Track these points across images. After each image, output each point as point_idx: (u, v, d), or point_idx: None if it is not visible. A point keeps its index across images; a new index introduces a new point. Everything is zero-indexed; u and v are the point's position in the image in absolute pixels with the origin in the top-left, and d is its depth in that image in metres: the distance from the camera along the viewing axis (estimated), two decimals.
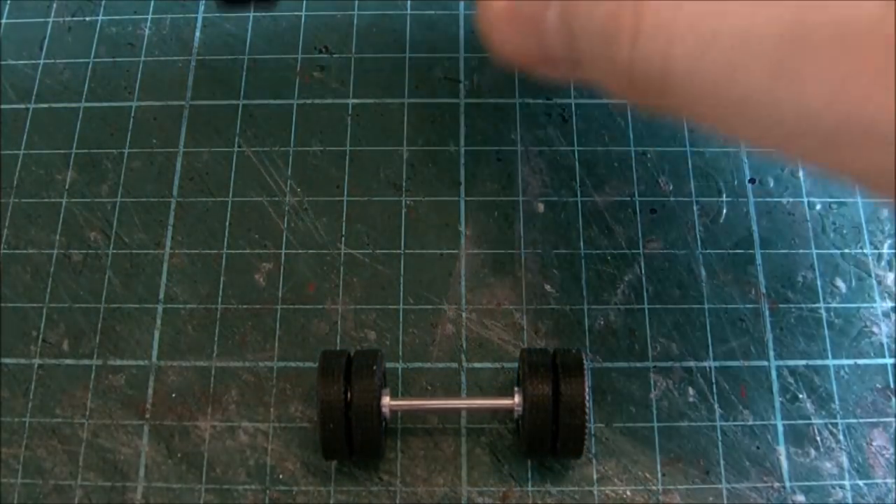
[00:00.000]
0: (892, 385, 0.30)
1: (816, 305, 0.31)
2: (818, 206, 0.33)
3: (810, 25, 0.18)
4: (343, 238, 0.32)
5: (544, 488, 0.29)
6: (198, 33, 0.36)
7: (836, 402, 0.30)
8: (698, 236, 0.32)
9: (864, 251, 0.32)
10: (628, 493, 0.29)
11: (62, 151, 0.34)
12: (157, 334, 0.31)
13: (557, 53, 0.27)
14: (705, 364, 0.30)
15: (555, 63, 0.27)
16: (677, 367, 0.30)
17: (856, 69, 0.17)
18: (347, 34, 0.36)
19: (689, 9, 0.20)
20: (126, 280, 0.32)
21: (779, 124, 0.19)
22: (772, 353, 0.31)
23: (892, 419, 0.30)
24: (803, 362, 0.30)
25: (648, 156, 0.34)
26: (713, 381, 0.30)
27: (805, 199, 0.33)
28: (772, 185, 0.33)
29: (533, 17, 0.27)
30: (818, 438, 0.29)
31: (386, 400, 0.27)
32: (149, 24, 0.37)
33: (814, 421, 0.30)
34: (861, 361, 0.30)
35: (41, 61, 0.36)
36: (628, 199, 0.33)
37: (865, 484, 0.29)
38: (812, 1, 0.18)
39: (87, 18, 0.37)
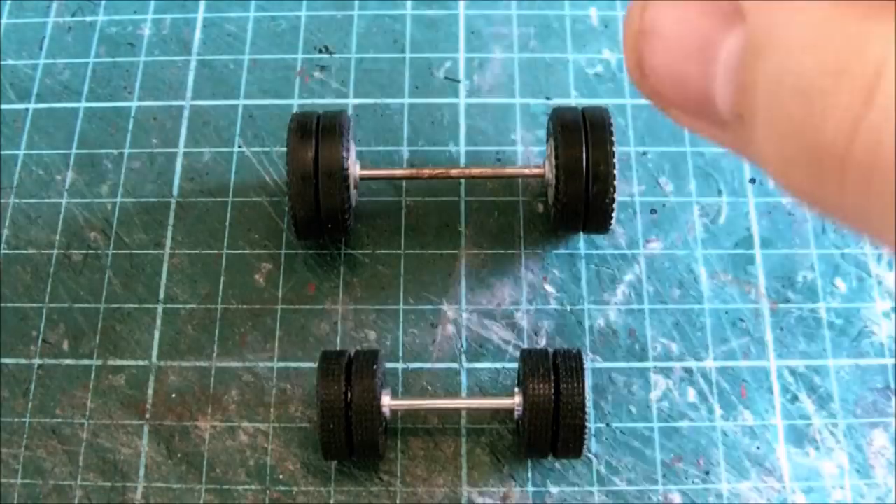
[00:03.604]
0: (892, 385, 0.30)
1: (816, 305, 0.31)
2: None
3: None
4: (343, 238, 0.32)
5: (544, 488, 0.29)
6: (198, 33, 0.36)
7: (837, 402, 0.30)
8: (698, 236, 0.32)
9: (864, 251, 0.32)
10: (628, 493, 0.29)
11: (62, 151, 0.34)
12: (157, 334, 0.31)
13: (724, 105, 0.16)
14: (705, 364, 0.30)
15: (717, 120, 0.17)
16: (677, 367, 0.30)
17: None
18: (347, 34, 0.36)
19: None
20: (126, 280, 0.32)
21: None
22: (772, 354, 0.31)
23: (892, 419, 0.30)
24: (803, 362, 0.30)
25: (648, 156, 0.34)
26: (713, 381, 0.30)
27: None
28: (772, 185, 0.33)
29: (706, 43, 0.16)
30: (818, 438, 0.29)
31: (386, 400, 0.27)
32: (149, 24, 0.37)
33: (814, 421, 0.30)
34: (861, 361, 0.30)
35: (41, 61, 0.36)
36: (628, 199, 0.33)
37: (865, 484, 0.29)
38: None
39: (87, 18, 0.37)
